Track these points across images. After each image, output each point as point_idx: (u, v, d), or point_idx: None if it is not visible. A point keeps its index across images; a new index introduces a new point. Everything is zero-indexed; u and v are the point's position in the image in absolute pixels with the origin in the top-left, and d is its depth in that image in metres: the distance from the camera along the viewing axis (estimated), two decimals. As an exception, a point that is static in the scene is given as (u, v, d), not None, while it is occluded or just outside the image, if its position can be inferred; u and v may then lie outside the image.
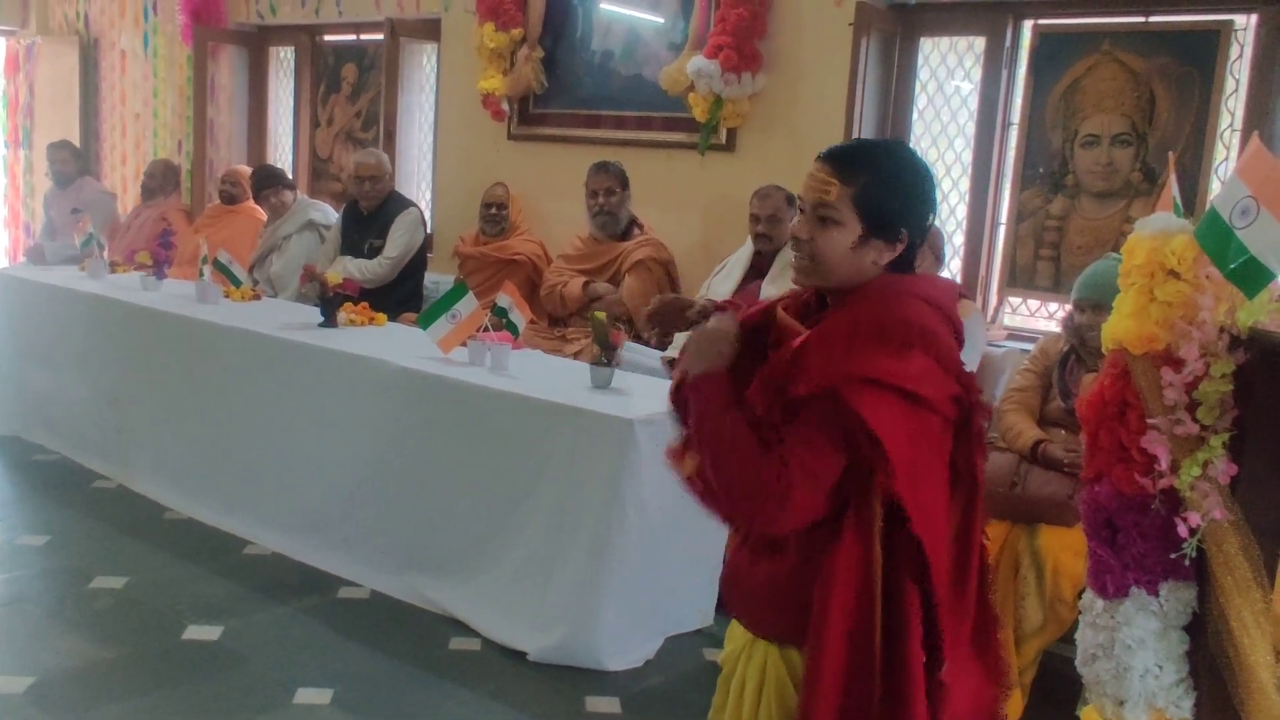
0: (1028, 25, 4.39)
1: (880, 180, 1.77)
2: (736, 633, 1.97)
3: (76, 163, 7.41)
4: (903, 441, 1.66)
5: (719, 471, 1.73)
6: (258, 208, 6.39)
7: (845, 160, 1.80)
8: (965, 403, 1.75)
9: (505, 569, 3.68)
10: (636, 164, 5.16)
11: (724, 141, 5.07)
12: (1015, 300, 4.57)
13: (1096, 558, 2.07)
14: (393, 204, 5.67)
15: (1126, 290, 2.00)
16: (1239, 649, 1.85)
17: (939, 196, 4.62)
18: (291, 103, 7.39)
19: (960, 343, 1.81)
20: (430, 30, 6.23)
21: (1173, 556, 1.94)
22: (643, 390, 3.75)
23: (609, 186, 5.03)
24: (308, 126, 7.25)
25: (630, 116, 5.43)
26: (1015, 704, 3.09)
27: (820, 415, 1.68)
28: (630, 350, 4.45)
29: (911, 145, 4.61)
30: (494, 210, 5.57)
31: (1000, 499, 3.22)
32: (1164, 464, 1.91)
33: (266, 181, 6.18)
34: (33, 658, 3.38)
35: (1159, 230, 1.97)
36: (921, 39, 4.69)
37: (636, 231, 5.12)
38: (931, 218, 1.86)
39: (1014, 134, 4.46)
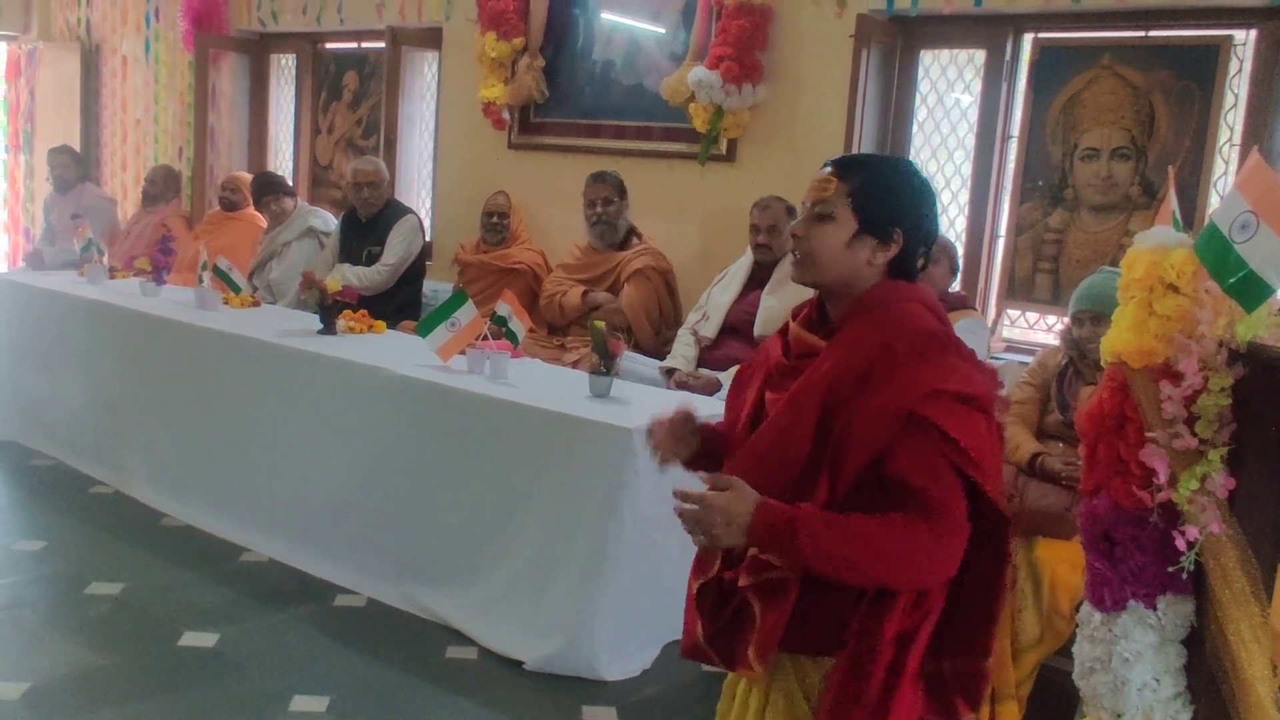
0: (1028, 38, 4.41)
1: (876, 180, 1.86)
2: None
3: (77, 168, 7.42)
4: (976, 440, 1.73)
5: (870, 571, 1.72)
6: (258, 214, 6.40)
7: (846, 162, 1.90)
8: (993, 395, 1.81)
9: (502, 577, 3.67)
10: (636, 174, 5.17)
11: (724, 152, 5.08)
12: (1014, 313, 4.57)
13: (1094, 571, 2.07)
14: (391, 211, 5.68)
15: (1125, 304, 2.00)
16: (1237, 663, 1.85)
17: (938, 207, 4.68)
18: (292, 110, 7.40)
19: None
20: (432, 39, 6.24)
21: (1171, 570, 1.94)
22: (641, 399, 3.75)
23: (606, 196, 5.03)
24: (308, 134, 7.25)
25: (630, 126, 5.44)
26: (1012, 716, 3.09)
27: (920, 445, 1.72)
28: (629, 359, 4.45)
29: (911, 157, 4.69)
30: (495, 219, 5.57)
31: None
32: (1162, 477, 1.91)
33: (267, 188, 6.19)
34: (28, 664, 3.37)
35: (1158, 244, 1.97)
36: (922, 51, 4.71)
37: (635, 241, 5.12)
38: (933, 231, 1.91)
39: (1014, 147, 4.47)
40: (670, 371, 4.52)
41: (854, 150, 4.46)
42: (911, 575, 1.73)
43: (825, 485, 1.76)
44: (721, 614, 1.90)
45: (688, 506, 1.74)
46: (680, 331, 4.75)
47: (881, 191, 1.85)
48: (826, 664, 1.82)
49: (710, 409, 3.80)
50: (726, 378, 4.31)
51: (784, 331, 1.97)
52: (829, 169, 1.89)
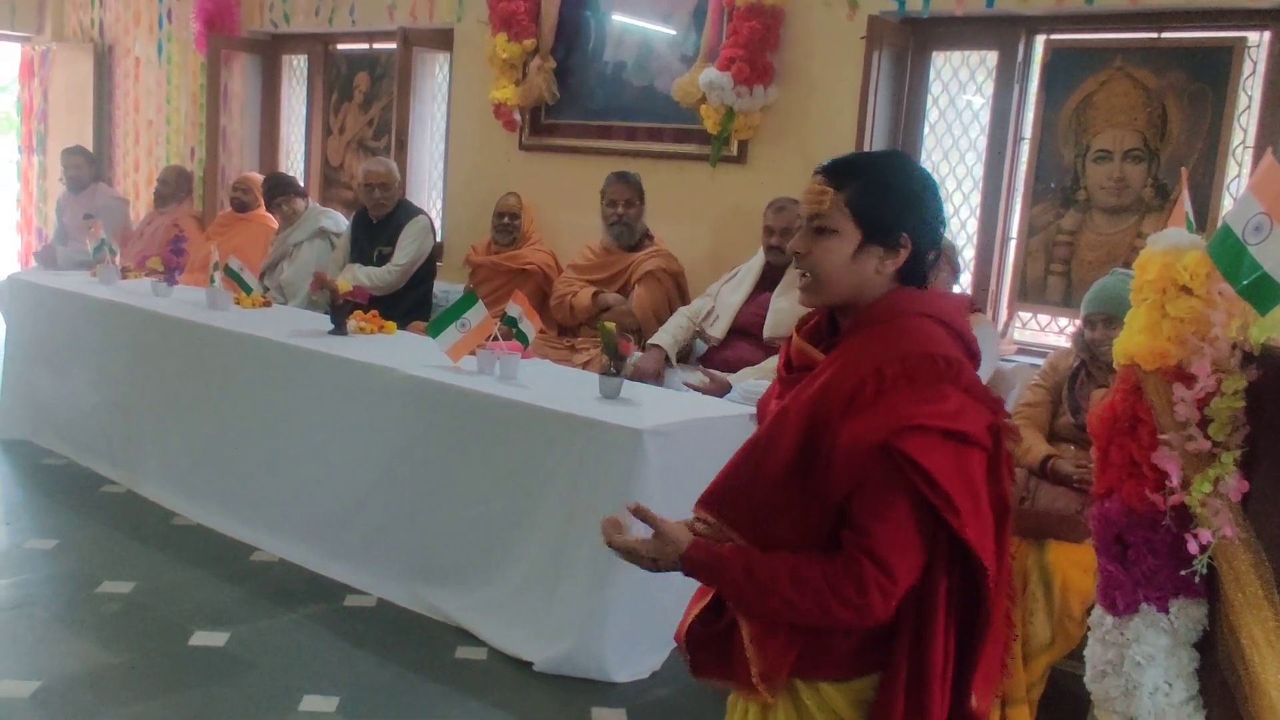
0: (1040, 40, 4.40)
1: (873, 184, 1.75)
2: None
3: (91, 168, 7.45)
4: (957, 480, 1.64)
5: (798, 614, 1.70)
6: (269, 215, 6.41)
7: (837, 169, 1.78)
8: (995, 428, 1.72)
9: (512, 578, 3.67)
10: (648, 175, 5.16)
11: (735, 153, 5.07)
12: (1025, 315, 4.56)
13: (1106, 574, 2.06)
14: (402, 212, 5.69)
15: (1139, 306, 1.99)
16: (1249, 667, 1.84)
17: (950, 209, 4.68)
18: (304, 111, 7.42)
19: (975, 358, 1.78)
20: (443, 40, 6.25)
21: (1183, 573, 1.93)
22: (652, 400, 3.75)
23: (629, 197, 5.03)
24: (320, 134, 7.27)
25: (642, 128, 5.44)
26: (1023, 720, 3.08)
27: (883, 481, 1.63)
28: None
29: (923, 159, 4.68)
30: (506, 220, 5.58)
31: (1009, 514, 3.22)
32: (1175, 480, 1.90)
33: (278, 189, 6.20)
34: (39, 662, 3.38)
35: (1171, 246, 1.96)
36: (934, 53, 4.70)
37: (648, 243, 5.12)
38: (940, 226, 1.80)
39: (1025, 149, 4.45)
40: (656, 350, 4.53)
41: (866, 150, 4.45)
42: (830, 622, 1.69)
43: (814, 510, 1.69)
44: (716, 622, 1.86)
45: (616, 546, 1.83)
46: (680, 310, 4.75)
47: (882, 195, 1.74)
48: (857, 687, 1.76)
49: (720, 411, 3.80)
50: (737, 379, 4.30)
51: (790, 340, 1.89)
52: (820, 177, 1.78)
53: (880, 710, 1.73)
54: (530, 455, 3.62)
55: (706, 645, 1.88)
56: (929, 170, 1.88)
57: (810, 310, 1.90)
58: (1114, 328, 2.88)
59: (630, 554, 1.83)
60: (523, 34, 5.63)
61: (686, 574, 1.79)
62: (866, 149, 4.49)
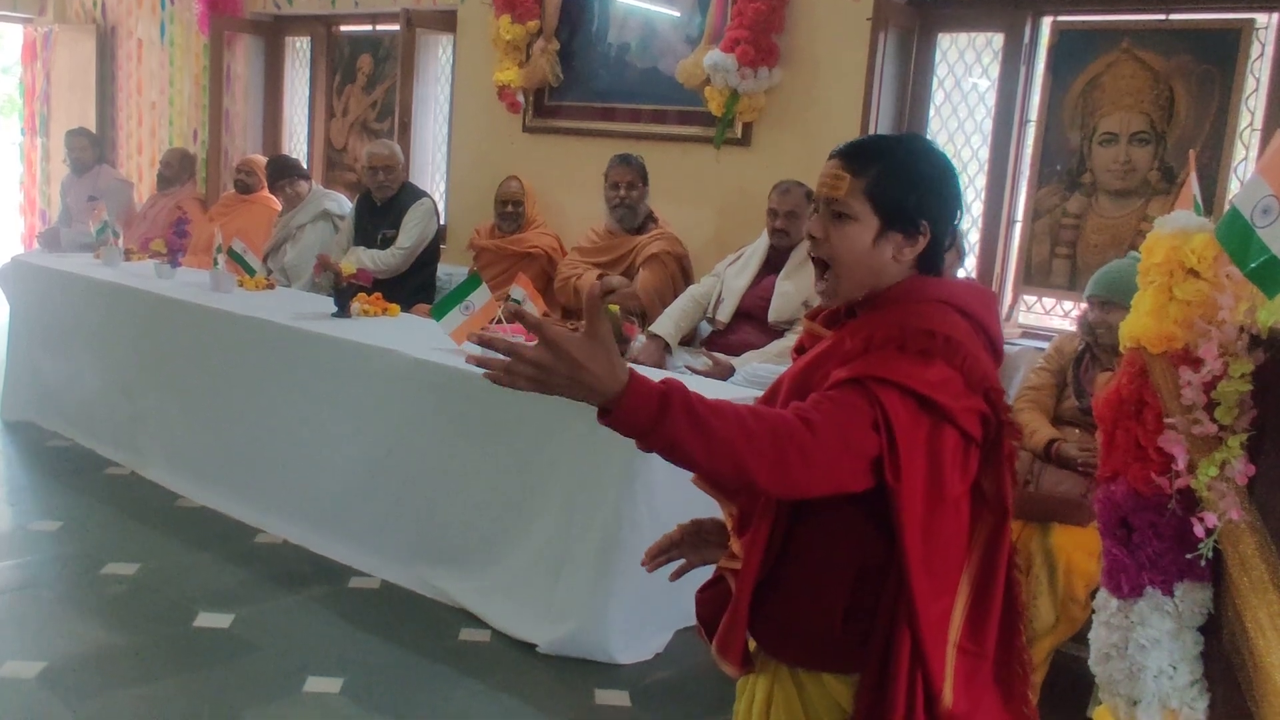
0: (1047, 22, 4.37)
1: (894, 169, 1.69)
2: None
3: (94, 150, 7.44)
4: (915, 442, 1.56)
5: (753, 441, 1.49)
6: (272, 197, 6.41)
7: (856, 152, 1.72)
8: (994, 422, 1.64)
9: (516, 561, 3.68)
10: (652, 157, 5.15)
11: (739, 136, 5.06)
12: (1030, 298, 4.55)
13: (1111, 557, 2.05)
14: (406, 194, 5.68)
15: (1145, 289, 1.98)
16: (1254, 651, 1.84)
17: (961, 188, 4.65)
18: (307, 93, 7.40)
19: (999, 355, 1.74)
20: (446, 21, 6.23)
21: (1188, 557, 1.92)
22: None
23: (630, 180, 5.02)
24: (323, 116, 7.26)
25: (646, 110, 5.42)
26: (1026, 703, 3.08)
27: (852, 393, 1.57)
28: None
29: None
30: (510, 207, 5.56)
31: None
32: (1181, 464, 1.89)
33: (281, 171, 6.19)
34: (45, 643, 3.39)
35: (1179, 229, 1.95)
36: (939, 35, 4.67)
37: (652, 225, 5.11)
38: (958, 214, 1.76)
39: (1031, 131, 4.44)
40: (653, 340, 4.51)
41: (870, 133, 4.43)
42: (780, 461, 1.49)
43: None
44: (713, 587, 1.84)
45: (528, 359, 1.45)
46: (684, 293, 4.73)
47: (902, 182, 1.68)
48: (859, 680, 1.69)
49: (723, 394, 3.79)
50: (741, 363, 4.29)
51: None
52: (838, 161, 1.71)
53: (856, 704, 1.68)
54: (535, 437, 3.63)
55: (708, 619, 1.86)
56: (943, 151, 1.82)
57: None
58: (1118, 311, 2.87)
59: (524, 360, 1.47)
60: (526, 15, 5.61)
61: (625, 406, 1.56)
62: (872, 131, 4.47)
